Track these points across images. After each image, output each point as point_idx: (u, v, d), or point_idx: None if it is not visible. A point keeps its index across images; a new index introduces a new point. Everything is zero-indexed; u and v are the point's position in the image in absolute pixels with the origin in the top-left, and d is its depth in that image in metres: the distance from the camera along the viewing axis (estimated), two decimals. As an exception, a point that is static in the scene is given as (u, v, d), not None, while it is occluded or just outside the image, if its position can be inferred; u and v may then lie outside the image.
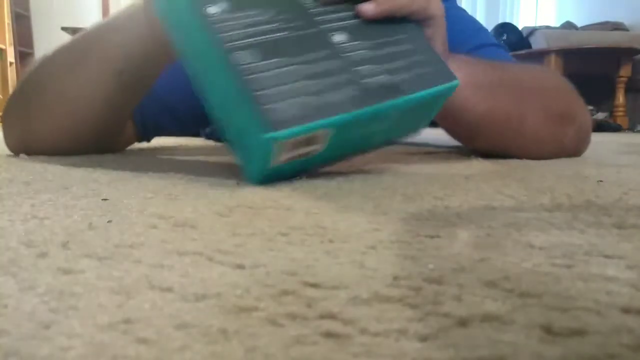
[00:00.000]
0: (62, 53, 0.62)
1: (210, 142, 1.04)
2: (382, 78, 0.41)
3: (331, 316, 0.16)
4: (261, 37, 0.40)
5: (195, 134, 1.12)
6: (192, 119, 0.78)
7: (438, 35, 0.50)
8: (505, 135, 0.60)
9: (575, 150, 0.66)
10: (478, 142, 0.65)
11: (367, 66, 0.41)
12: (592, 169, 0.57)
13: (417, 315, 0.16)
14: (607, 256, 0.22)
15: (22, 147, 0.63)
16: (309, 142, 0.39)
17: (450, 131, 0.64)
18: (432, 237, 0.25)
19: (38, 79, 0.62)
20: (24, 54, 3.45)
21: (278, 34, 0.41)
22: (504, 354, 0.13)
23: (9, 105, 0.65)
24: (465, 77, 0.52)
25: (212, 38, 0.39)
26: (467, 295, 0.17)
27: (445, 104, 0.48)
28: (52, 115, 0.61)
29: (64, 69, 0.60)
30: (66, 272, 0.20)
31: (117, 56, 0.57)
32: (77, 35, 0.62)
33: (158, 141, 0.97)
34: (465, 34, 0.74)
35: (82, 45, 0.60)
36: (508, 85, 0.59)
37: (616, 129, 2.77)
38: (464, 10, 0.89)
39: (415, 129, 0.50)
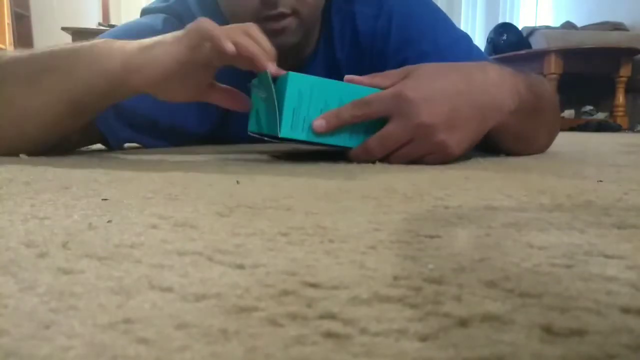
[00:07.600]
0: (20, 65, 0.59)
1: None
2: None
3: (331, 316, 0.16)
4: None
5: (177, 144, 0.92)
6: (171, 130, 0.80)
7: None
8: (521, 148, 0.70)
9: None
10: (490, 146, 0.69)
11: None
12: (592, 169, 0.57)
13: (417, 315, 0.16)
14: (607, 256, 0.22)
15: None
16: None
17: None
18: (432, 237, 0.25)
19: None
20: (24, 54, 3.45)
21: None
22: (504, 354, 0.13)
23: None
24: (516, 104, 0.59)
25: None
26: (467, 295, 0.17)
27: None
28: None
29: (19, 81, 0.58)
30: (66, 272, 0.20)
31: (77, 89, 0.57)
32: (37, 52, 0.60)
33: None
34: (420, 32, 0.73)
35: (44, 64, 0.58)
36: (538, 113, 0.66)
37: (616, 129, 2.77)
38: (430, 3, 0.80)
39: None
